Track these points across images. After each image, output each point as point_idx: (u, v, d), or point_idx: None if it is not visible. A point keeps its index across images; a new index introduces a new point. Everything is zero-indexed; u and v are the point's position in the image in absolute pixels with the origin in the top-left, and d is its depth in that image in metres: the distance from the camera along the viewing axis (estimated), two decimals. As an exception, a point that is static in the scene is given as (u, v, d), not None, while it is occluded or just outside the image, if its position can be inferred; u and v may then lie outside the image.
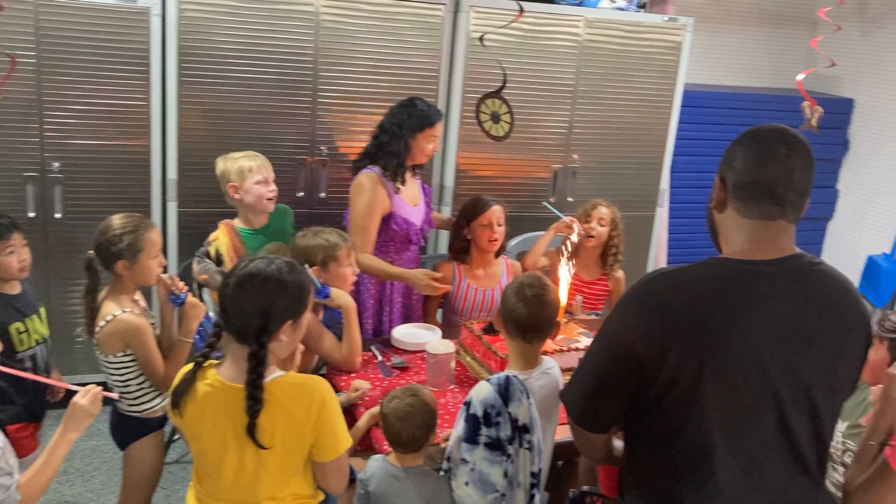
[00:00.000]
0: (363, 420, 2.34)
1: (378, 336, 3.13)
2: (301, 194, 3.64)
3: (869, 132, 5.05)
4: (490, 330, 2.66)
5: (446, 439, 2.14)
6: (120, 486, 2.55)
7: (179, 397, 1.80)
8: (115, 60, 3.29)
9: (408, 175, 3.15)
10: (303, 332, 1.87)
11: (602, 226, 3.39)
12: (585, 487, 2.05)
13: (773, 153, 1.47)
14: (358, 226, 3.00)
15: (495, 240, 3.18)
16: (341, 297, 2.60)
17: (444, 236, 3.93)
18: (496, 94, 3.24)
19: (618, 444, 1.72)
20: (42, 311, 2.51)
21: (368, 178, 3.02)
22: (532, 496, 1.99)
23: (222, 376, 1.78)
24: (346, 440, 1.84)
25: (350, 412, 2.48)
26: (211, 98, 3.44)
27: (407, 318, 3.21)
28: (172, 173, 3.48)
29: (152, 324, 2.44)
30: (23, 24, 3.14)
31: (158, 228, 2.48)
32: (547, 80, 3.90)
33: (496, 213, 3.17)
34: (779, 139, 1.49)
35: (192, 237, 3.41)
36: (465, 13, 3.66)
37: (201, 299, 2.64)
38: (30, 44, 3.17)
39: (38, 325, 2.48)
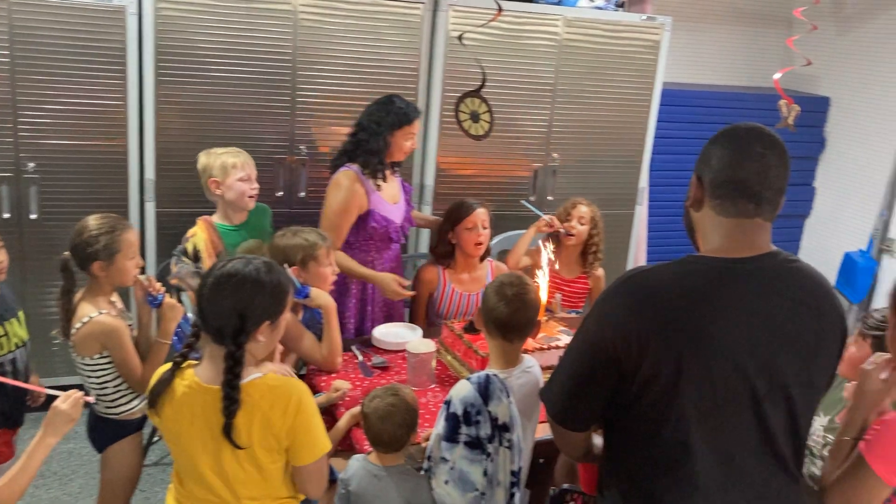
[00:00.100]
0: (343, 420, 2.33)
1: (360, 336, 3.12)
2: (280, 194, 3.62)
3: (845, 130, 5.11)
4: (471, 329, 2.67)
5: (427, 439, 2.14)
6: (98, 489, 2.53)
7: (156, 397, 1.80)
8: (91, 59, 3.26)
9: (387, 173, 3.14)
10: (281, 333, 1.86)
11: (582, 224, 3.40)
12: (566, 485, 2.06)
13: (750, 152, 1.48)
14: (330, 222, 2.99)
15: (480, 243, 3.16)
16: (321, 296, 2.59)
17: (426, 235, 3.93)
18: (475, 93, 3.24)
19: (598, 441, 1.72)
20: (21, 314, 2.48)
21: (346, 176, 3.02)
22: (512, 495, 2.00)
23: (199, 377, 1.77)
24: (323, 445, 1.83)
25: (330, 412, 2.47)
26: (189, 97, 3.42)
27: (389, 318, 3.20)
28: (150, 173, 3.45)
29: (129, 325, 2.42)
30: (-4, 22, 3.11)
31: (135, 229, 2.45)
32: (526, 79, 3.91)
33: (481, 215, 3.15)
34: (755, 138, 1.50)
35: (171, 238, 3.38)
36: (444, 12, 3.65)
37: (179, 300, 2.62)
38: (4, 42, 3.13)
39: (18, 329, 2.44)
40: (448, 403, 2.03)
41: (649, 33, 4.09)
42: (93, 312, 2.31)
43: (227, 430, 1.71)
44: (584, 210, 3.41)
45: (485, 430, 1.97)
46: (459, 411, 1.99)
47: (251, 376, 1.76)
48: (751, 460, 1.51)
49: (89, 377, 2.38)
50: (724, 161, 1.50)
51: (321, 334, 2.64)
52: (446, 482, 2.01)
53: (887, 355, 1.76)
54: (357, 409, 2.32)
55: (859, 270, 4.85)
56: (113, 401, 2.41)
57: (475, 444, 1.97)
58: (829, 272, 4.94)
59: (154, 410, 1.81)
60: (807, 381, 1.52)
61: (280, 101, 3.55)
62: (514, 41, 3.82)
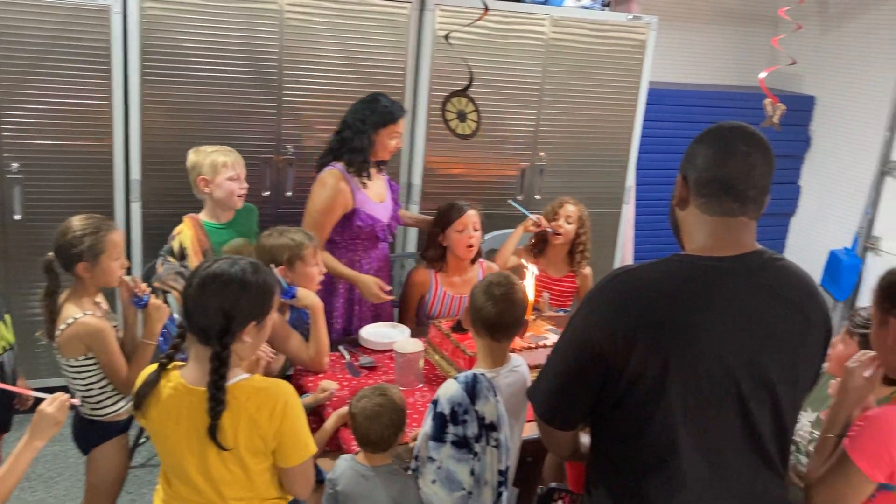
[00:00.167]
0: (330, 421, 2.33)
1: (348, 336, 3.11)
2: (267, 193, 3.61)
3: (830, 129, 5.14)
4: (458, 328, 2.67)
5: (415, 438, 2.14)
6: (84, 491, 2.51)
7: (142, 399, 1.79)
8: (75, 59, 3.24)
9: (373, 171, 3.14)
10: (267, 333, 1.85)
11: (569, 223, 3.41)
12: (553, 484, 2.07)
13: (734, 151, 1.49)
14: (313, 220, 2.99)
15: (472, 246, 3.14)
16: (308, 297, 2.59)
17: (413, 234, 3.92)
18: (462, 92, 3.24)
19: (585, 440, 1.73)
20: (7, 317, 2.46)
21: (332, 175, 3.01)
22: (499, 494, 2.00)
23: (185, 379, 1.76)
24: (310, 447, 1.83)
25: (317, 413, 2.46)
26: (175, 97, 3.40)
27: (377, 318, 3.19)
28: (136, 173, 3.43)
29: (115, 326, 2.40)
30: (-21, 21, 3.08)
31: (120, 230, 2.44)
32: (513, 78, 3.91)
33: (472, 217, 3.13)
34: (739, 137, 1.50)
35: (156, 238, 3.36)
36: (431, 11, 3.65)
37: (165, 301, 2.61)
38: (-14, 42, 3.11)
39: (4, 332, 2.42)
40: (435, 403, 2.03)
41: (635, 33, 4.10)
42: (77, 314, 2.30)
43: (213, 432, 1.70)
44: (571, 209, 3.41)
45: (472, 430, 1.97)
46: (447, 411, 1.99)
47: (237, 377, 1.75)
48: (737, 458, 1.52)
49: (74, 379, 2.37)
50: (708, 160, 1.50)
51: (308, 334, 2.63)
52: (433, 481, 2.01)
53: (872, 353, 1.77)
54: (344, 409, 2.31)
55: (844, 268, 4.88)
56: (98, 402, 2.39)
57: (462, 444, 1.98)
58: (815, 270, 4.97)
59: (140, 412, 1.80)
60: (792, 378, 1.53)
61: (267, 101, 3.54)
62: (501, 40, 3.82)
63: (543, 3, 3.93)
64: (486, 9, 3.02)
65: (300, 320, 2.73)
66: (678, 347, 1.44)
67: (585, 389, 1.55)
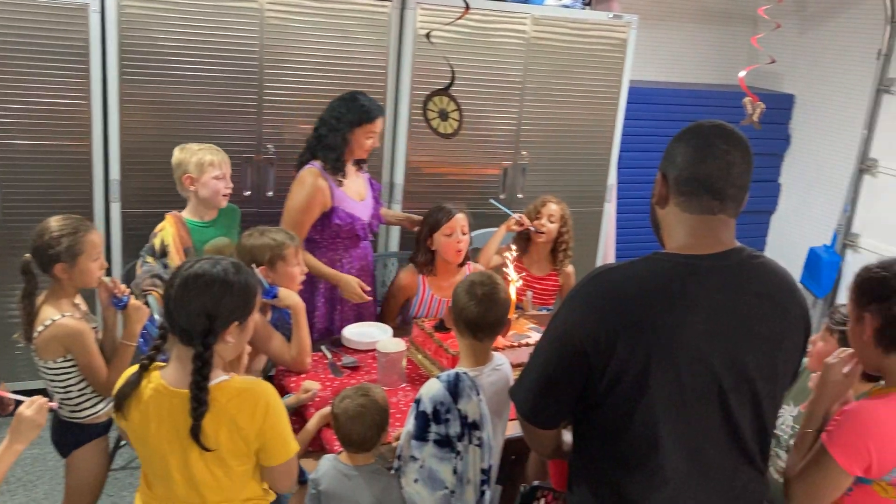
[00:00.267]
0: (313, 421, 2.32)
1: (329, 336, 3.10)
2: (248, 193, 3.59)
3: (809, 127, 5.19)
4: (441, 327, 2.67)
5: (398, 438, 2.14)
6: (63, 494, 2.49)
7: (123, 400, 1.77)
8: (53, 58, 3.20)
9: (352, 169, 3.13)
10: (249, 334, 1.84)
11: (552, 222, 3.41)
12: (536, 482, 2.07)
13: (713, 149, 1.50)
14: (292, 219, 2.98)
15: (461, 250, 3.10)
16: (290, 297, 2.58)
17: (396, 234, 3.92)
18: (444, 91, 3.24)
19: (567, 438, 1.73)
20: None
21: (310, 173, 3.00)
22: (482, 492, 2.00)
23: (166, 380, 1.75)
24: (293, 445, 1.83)
25: (300, 413, 2.45)
26: (154, 96, 3.37)
27: (359, 318, 3.18)
28: (115, 173, 3.40)
29: (94, 328, 2.38)
30: (-46, 20, 3.04)
31: (99, 230, 2.42)
32: (495, 77, 3.91)
33: (460, 221, 3.09)
34: (718, 135, 1.51)
35: (137, 238, 3.33)
36: (412, 10, 3.64)
37: (146, 302, 2.59)
38: (-38, 41, 3.07)
39: None
40: (418, 402, 2.02)
41: (616, 31, 4.11)
42: (55, 315, 2.28)
43: (195, 433, 1.69)
44: (553, 208, 3.42)
45: (454, 429, 1.97)
46: (429, 410, 1.99)
47: (218, 378, 1.74)
48: (718, 454, 1.53)
49: (52, 381, 2.34)
50: (688, 158, 1.51)
51: (290, 335, 2.62)
52: (416, 481, 2.01)
53: (851, 350, 1.79)
54: (327, 409, 2.30)
55: (824, 265, 4.93)
56: (77, 405, 2.37)
57: (445, 443, 1.98)
58: (795, 267, 5.01)
59: (121, 414, 1.79)
60: (771, 375, 1.54)
61: (247, 100, 3.52)
62: (482, 39, 3.83)
63: (524, 2, 3.94)
64: (468, 7, 3.01)
65: (282, 320, 2.72)
66: (659, 345, 1.45)
67: (567, 388, 1.55)
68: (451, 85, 3.24)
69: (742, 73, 3.10)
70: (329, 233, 3.06)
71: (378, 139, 3.11)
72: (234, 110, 3.51)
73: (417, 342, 2.76)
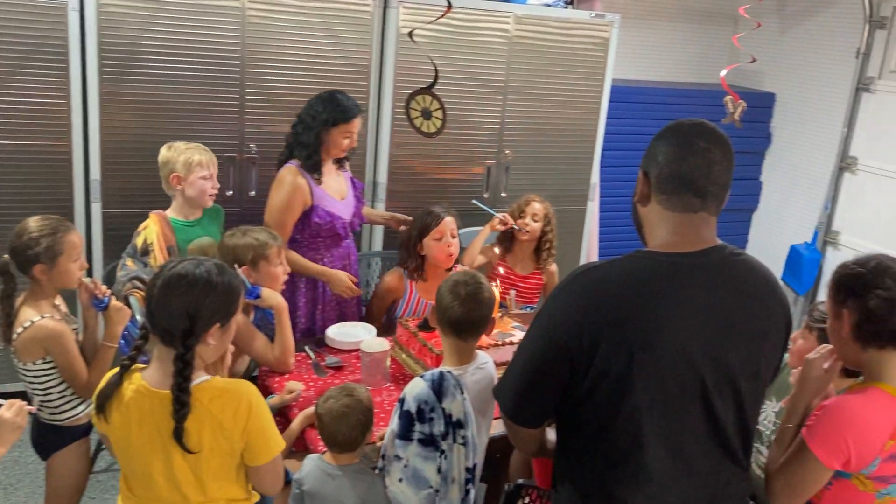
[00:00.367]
0: (297, 422, 2.31)
1: (311, 336, 3.09)
2: (230, 193, 3.57)
3: (789, 125, 5.23)
4: (425, 327, 2.66)
5: (382, 438, 2.14)
6: (44, 497, 2.46)
7: (104, 402, 1.76)
8: (31, 57, 3.17)
9: (332, 168, 3.12)
10: (232, 335, 1.84)
11: (536, 221, 3.42)
12: (521, 480, 2.07)
13: (694, 147, 1.51)
14: (274, 219, 2.96)
15: (452, 253, 3.08)
16: (273, 297, 2.56)
17: (379, 233, 3.91)
18: (427, 90, 3.23)
19: (551, 436, 1.73)
20: None
21: (289, 171, 3.00)
22: (467, 491, 2.00)
23: (147, 381, 1.74)
24: (277, 443, 1.82)
25: (283, 414, 2.44)
26: (135, 95, 3.34)
27: (342, 317, 3.17)
28: (96, 173, 3.37)
29: (74, 329, 2.36)
30: (-70, 18, 3.00)
31: (79, 230, 2.40)
32: (478, 75, 3.91)
33: (449, 224, 3.07)
34: (699, 133, 1.52)
35: (118, 239, 3.30)
36: (395, 9, 3.64)
37: (127, 303, 2.57)
38: (-62, 39, 3.04)
39: None
40: (402, 401, 2.02)
41: (598, 30, 4.12)
42: (35, 317, 2.25)
43: (178, 435, 1.68)
44: (537, 207, 3.43)
45: (438, 428, 1.97)
46: (413, 409, 1.98)
47: (199, 379, 1.73)
48: (700, 451, 1.53)
49: (32, 383, 2.32)
50: (669, 157, 1.52)
51: (273, 335, 2.61)
52: (400, 480, 2.00)
53: (831, 346, 1.81)
54: (310, 409, 2.30)
55: (805, 262, 4.97)
56: (57, 407, 2.35)
57: (429, 442, 1.97)
58: (776, 264, 5.05)
59: (102, 416, 1.77)
60: (753, 372, 1.55)
61: (229, 99, 3.50)
62: (465, 38, 3.83)
63: (507, 1, 3.94)
64: (450, 6, 3.01)
65: (265, 320, 2.71)
66: (642, 343, 1.45)
67: (551, 387, 1.55)
68: (434, 83, 3.24)
69: (723, 72, 3.12)
70: (309, 232, 3.05)
71: (356, 139, 3.08)
72: (216, 109, 3.49)
73: (401, 342, 2.75)
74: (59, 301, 2.39)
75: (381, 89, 3.77)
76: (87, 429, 2.45)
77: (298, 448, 2.33)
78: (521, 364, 1.59)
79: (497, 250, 3.40)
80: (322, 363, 2.74)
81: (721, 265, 1.53)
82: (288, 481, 2.20)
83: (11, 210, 3.24)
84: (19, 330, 2.25)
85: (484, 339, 2.51)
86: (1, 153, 3.23)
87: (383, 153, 3.85)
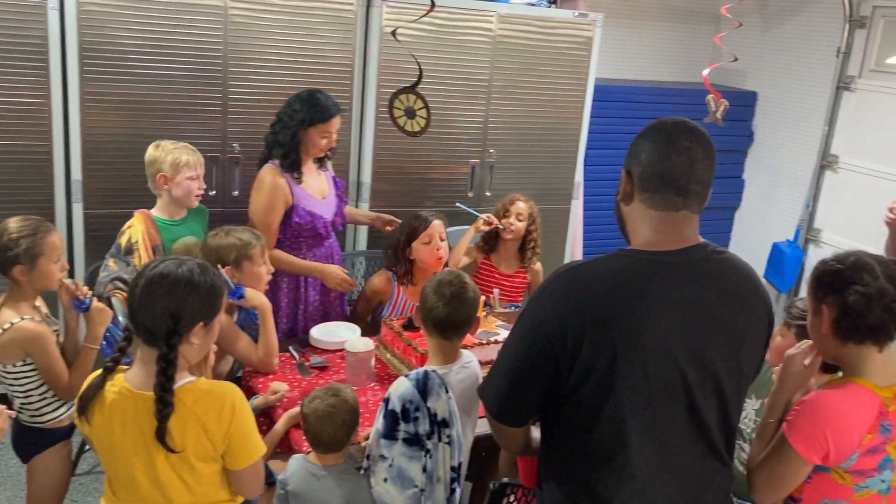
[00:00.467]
0: (281, 422, 2.30)
1: (293, 336, 3.07)
2: (213, 192, 3.55)
3: (771, 123, 5.26)
4: (410, 326, 2.66)
5: (367, 438, 2.13)
6: (25, 500, 2.44)
7: (86, 404, 1.75)
8: (10, 55, 3.13)
9: (313, 167, 3.10)
10: (215, 335, 1.82)
11: (520, 220, 3.43)
12: (506, 479, 2.07)
13: (676, 145, 1.51)
14: (259, 221, 2.95)
15: (441, 257, 3.06)
16: (256, 297, 2.55)
17: (364, 232, 3.90)
18: (411, 89, 3.22)
19: (536, 434, 1.74)
20: None
21: (268, 172, 2.98)
22: (453, 490, 2.00)
23: (130, 383, 1.73)
24: (259, 448, 1.81)
25: (268, 414, 2.44)
26: (116, 94, 3.32)
27: (325, 317, 3.16)
28: (77, 173, 3.34)
29: (55, 331, 2.34)
30: None
31: (61, 231, 2.37)
32: (461, 75, 3.91)
33: (437, 227, 3.06)
34: (681, 131, 1.53)
35: (100, 239, 3.28)
36: (378, 7, 3.63)
37: (109, 304, 2.55)
38: (-85, 38, 3.00)
39: None
40: (386, 401, 2.02)
41: (581, 29, 4.14)
42: (14, 318, 2.23)
43: (161, 435, 1.67)
44: (521, 206, 3.43)
45: (423, 427, 1.96)
46: (398, 408, 1.98)
47: (183, 380, 1.73)
48: (684, 447, 1.54)
49: (12, 385, 2.30)
50: (651, 155, 1.52)
51: (257, 335, 2.60)
52: (385, 480, 2.00)
53: (811, 342, 1.83)
54: (295, 410, 2.29)
55: (787, 260, 5.00)
56: (38, 409, 2.33)
57: (414, 441, 1.97)
58: (759, 262, 5.08)
59: (84, 418, 1.75)
60: (736, 369, 1.56)
61: (211, 98, 3.48)
62: (449, 37, 3.82)
63: (490, 0, 3.94)
64: (433, 4, 3.00)
65: (248, 321, 2.70)
66: (625, 341, 1.46)
67: (535, 386, 1.55)
68: (418, 82, 3.23)
69: (706, 71, 3.14)
70: (290, 232, 3.03)
71: (334, 139, 3.06)
72: (198, 109, 3.47)
73: (386, 341, 2.75)
74: (39, 302, 2.37)
75: (365, 88, 3.76)
76: (68, 431, 2.43)
77: (283, 449, 2.32)
78: (506, 363, 1.60)
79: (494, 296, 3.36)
80: (306, 363, 2.74)
81: (704, 263, 1.54)
82: (272, 482, 2.19)
83: (-9, 211, 3.21)
84: (-1, 332, 2.23)
85: (469, 338, 2.52)
86: (-21, 153, 3.20)
87: (367, 152, 3.84)
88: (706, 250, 1.55)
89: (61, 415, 2.37)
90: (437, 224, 3.06)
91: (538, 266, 3.53)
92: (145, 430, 1.69)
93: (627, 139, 1.61)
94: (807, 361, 1.80)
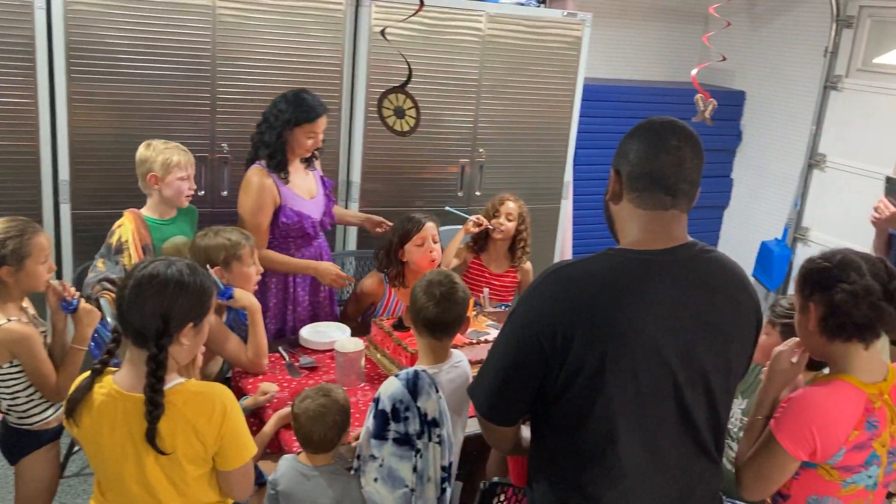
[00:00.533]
0: (271, 423, 2.30)
1: (282, 337, 3.06)
2: (202, 193, 3.54)
3: (759, 123, 5.29)
4: (400, 326, 2.66)
5: (357, 438, 2.13)
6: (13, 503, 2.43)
7: (74, 406, 1.74)
8: (-4, 55, 3.12)
9: (300, 167, 3.09)
10: (205, 336, 1.82)
11: (510, 220, 3.43)
12: (496, 478, 2.08)
13: (665, 145, 1.52)
14: (249, 223, 2.93)
15: (434, 259, 3.05)
16: (245, 297, 2.55)
17: (353, 232, 3.90)
18: (400, 88, 3.22)
19: (526, 434, 1.74)
20: None
21: (255, 172, 2.97)
22: (443, 490, 2.00)
23: (119, 385, 1.72)
24: (250, 448, 1.81)
25: (257, 415, 2.43)
26: (104, 94, 3.30)
27: (314, 318, 3.16)
28: (64, 174, 3.32)
29: (43, 332, 2.33)
30: None
31: (48, 232, 2.36)
32: (451, 74, 3.91)
33: (430, 230, 3.05)
34: (670, 131, 1.53)
35: (88, 240, 3.27)
36: (367, 7, 3.63)
37: (98, 305, 2.54)
38: None
39: None
40: (377, 401, 2.02)
41: (570, 29, 4.14)
42: (1, 320, 2.22)
43: (151, 436, 1.66)
44: (511, 206, 3.44)
45: (413, 427, 1.96)
46: (388, 408, 1.98)
47: (173, 382, 1.72)
48: (674, 447, 1.55)
49: None
50: (640, 154, 1.53)
51: (246, 336, 2.59)
52: (375, 480, 2.00)
53: (798, 340, 1.84)
54: (285, 410, 2.29)
55: (775, 258, 5.03)
56: (25, 411, 2.32)
57: (404, 441, 1.97)
58: (747, 261, 5.11)
59: (73, 420, 1.75)
60: (725, 367, 1.56)
61: (200, 98, 3.46)
62: (438, 36, 3.82)
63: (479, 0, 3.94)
64: (422, 4, 3.00)
65: (238, 321, 2.69)
66: (615, 340, 1.46)
67: (525, 385, 1.56)
68: (407, 82, 3.23)
69: (694, 71, 3.14)
70: (278, 232, 3.02)
71: (320, 139, 3.05)
72: (186, 109, 3.45)
73: (376, 341, 2.75)
74: (26, 303, 2.36)
75: (354, 88, 3.76)
76: (57, 432, 2.42)
77: (273, 449, 2.31)
78: (496, 363, 1.60)
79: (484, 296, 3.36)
80: (296, 364, 2.73)
81: (692, 262, 1.54)
82: (263, 482, 2.19)
83: (-23, 212, 3.18)
84: (-14, 333, 2.21)
85: (459, 338, 2.52)
86: (-35, 154, 3.18)
87: (356, 152, 3.83)
88: (695, 249, 1.56)
89: (49, 416, 2.36)
90: (430, 226, 3.06)
91: (528, 265, 3.54)
92: (135, 431, 1.68)
93: (616, 139, 1.61)
94: (794, 359, 1.81)
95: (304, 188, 3.08)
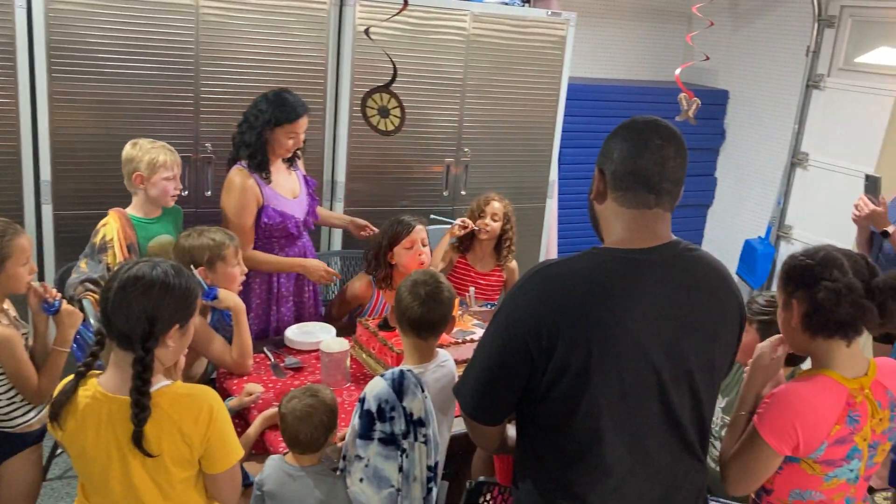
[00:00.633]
0: (255, 424, 2.29)
1: (265, 337, 3.05)
2: (186, 192, 3.51)
3: (743, 122, 5.32)
4: (386, 326, 2.66)
5: (343, 438, 2.13)
6: (-5, 507, 2.41)
7: (58, 409, 1.72)
8: (-25, 55, 3.09)
9: (283, 166, 3.09)
10: (190, 337, 1.81)
11: (495, 220, 3.44)
12: (482, 478, 2.08)
13: (648, 144, 1.52)
14: (234, 224, 2.92)
15: (423, 262, 3.05)
16: (230, 298, 2.54)
17: (338, 231, 3.88)
18: (384, 88, 3.22)
19: (512, 433, 1.74)
20: None
21: (237, 173, 2.96)
22: (429, 489, 2.00)
23: (104, 387, 1.71)
24: (237, 451, 1.80)
25: (242, 416, 2.42)
26: (86, 94, 3.27)
27: (298, 317, 3.15)
28: (46, 174, 3.29)
29: (24, 334, 2.31)
30: None
31: (30, 233, 2.34)
32: (435, 74, 3.91)
33: (420, 233, 3.06)
34: (653, 130, 1.54)
35: (70, 241, 3.24)
36: (351, 6, 3.62)
37: (80, 307, 2.51)
38: None
39: None
40: (362, 401, 2.01)
41: (554, 29, 4.15)
42: (-18, 322, 2.20)
43: (137, 439, 1.65)
44: (496, 206, 3.45)
45: (399, 426, 1.96)
46: (373, 408, 1.98)
47: (159, 384, 1.71)
48: (659, 445, 1.55)
49: (-20, 390, 2.26)
50: (624, 154, 1.53)
51: (231, 337, 2.58)
52: (361, 480, 2.00)
53: (780, 336, 1.86)
54: (270, 411, 2.28)
55: (759, 256, 5.06)
56: (7, 413, 2.29)
57: (390, 441, 1.97)
58: (731, 259, 5.14)
59: (57, 424, 1.73)
60: (708, 365, 1.57)
61: (183, 98, 3.44)
62: (422, 36, 3.82)
63: (464, -1, 3.95)
64: (406, 3, 3.00)
65: (222, 322, 2.68)
66: (600, 339, 1.47)
67: (510, 384, 1.56)
68: (392, 81, 3.22)
69: (678, 70, 3.16)
70: (261, 233, 3.01)
71: (301, 139, 3.04)
72: (170, 108, 3.43)
73: (361, 341, 2.74)
74: (7, 305, 2.33)
75: (339, 87, 3.75)
76: (39, 435, 2.39)
77: (258, 450, 2.30)
78: (481, 362, 1.60)
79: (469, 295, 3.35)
80: (281, 364, 2.72)
81: (676, 260, 1.55)
82: (249, 483, 2.18)
83: (-42, 213, 3.15)
84: (-34, 336, 2.19)
85: (444, 337, 2.52)
86: (-54, 155, 3.14)
87: (341, 152, 3.82)
88: (678, 248, 1.56)
89: (31, 419, 2.33)
90: (419, 229, 3.06)
91: (514, 264, 3.55)
92: (120, 434, 1.67)
93: (601, 138, 1.61)
94: (776, 355, 1.82)
95: (287, 188, 3.07)
